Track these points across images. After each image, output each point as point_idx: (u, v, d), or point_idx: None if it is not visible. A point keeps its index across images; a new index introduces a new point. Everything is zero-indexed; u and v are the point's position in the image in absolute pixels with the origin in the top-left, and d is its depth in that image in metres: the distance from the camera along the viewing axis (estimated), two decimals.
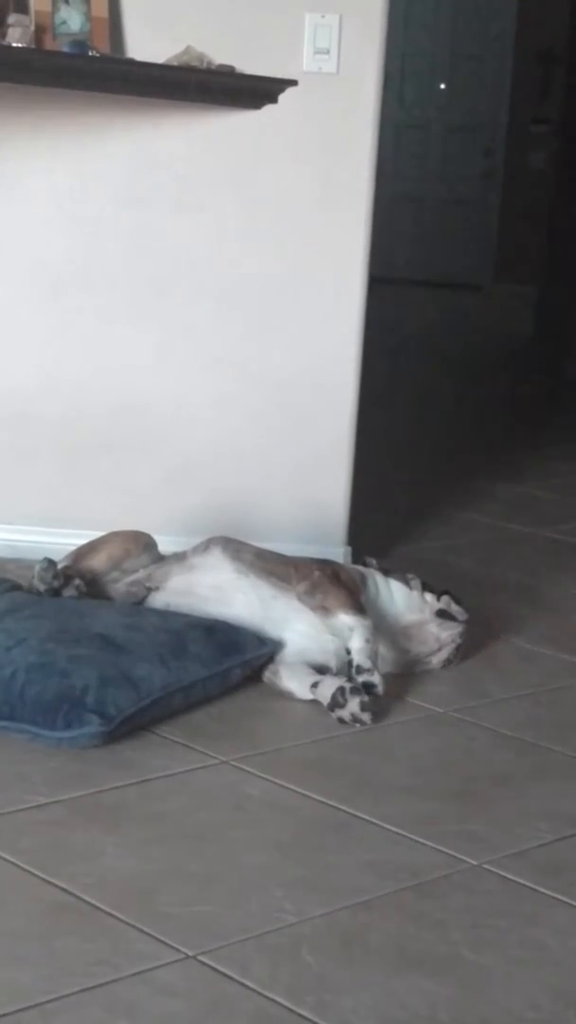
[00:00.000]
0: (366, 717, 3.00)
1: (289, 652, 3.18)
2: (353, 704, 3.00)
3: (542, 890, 2.37)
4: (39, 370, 3.95)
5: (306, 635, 3.20)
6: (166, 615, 3.18)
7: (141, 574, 3.35)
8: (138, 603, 3.29)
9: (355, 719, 3.00)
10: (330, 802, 2.63)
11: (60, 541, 3.78)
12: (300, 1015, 1.98)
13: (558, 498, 5.22)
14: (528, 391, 7.86)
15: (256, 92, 3.78)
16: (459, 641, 3.35)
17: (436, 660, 3.34)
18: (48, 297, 3.92)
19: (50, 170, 3.86)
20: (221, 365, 3.95)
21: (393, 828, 2.55)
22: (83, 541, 3.52)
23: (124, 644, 2.97)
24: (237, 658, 3.08)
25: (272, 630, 3.20)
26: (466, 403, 7.40)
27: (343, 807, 2.62)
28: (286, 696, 3.10)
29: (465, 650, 3.37)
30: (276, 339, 3.94)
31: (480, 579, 4.08)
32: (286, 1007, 2.00)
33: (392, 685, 3.20)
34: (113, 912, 2.21)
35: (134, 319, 3.93)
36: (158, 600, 3.29)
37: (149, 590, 3.32)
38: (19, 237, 3.90)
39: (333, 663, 3.17)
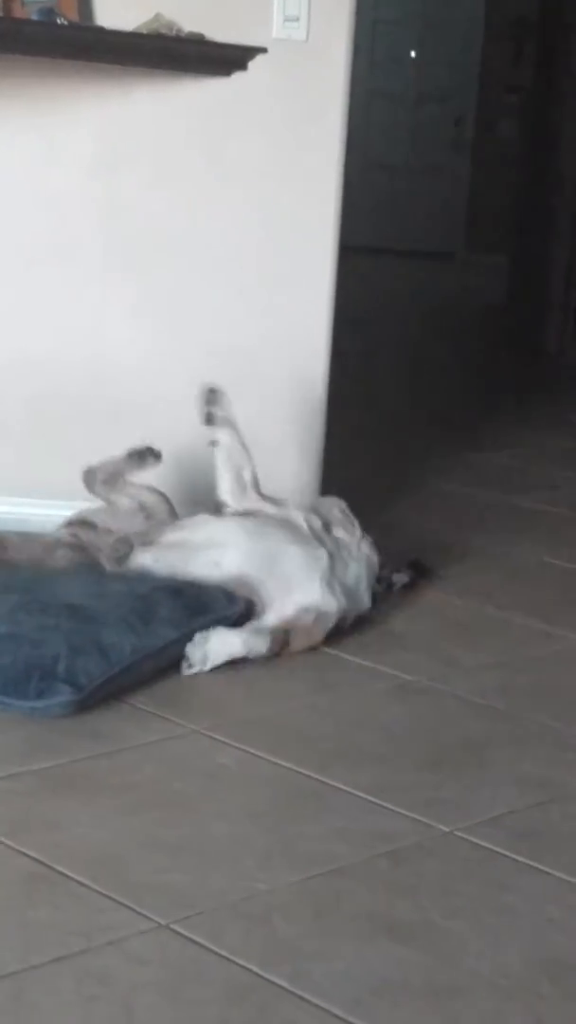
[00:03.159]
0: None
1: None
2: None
3: (514, 856, 2.38)
4: (9, 342, 3.93)
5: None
6: (132, 581, 3.17)
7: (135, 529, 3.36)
8: (120, 559, 3.26)
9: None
10: (302, 770, 2.64)
11: (33, 512, 3.77)
12: (273, 983, 1.99)
13: (528, 466, 5.23)
14: (499, 360, 7.86)
15: (226, 60, 3.76)
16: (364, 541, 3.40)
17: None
18: (17, 268, 3.89)
19: (18, 139, 3.83)
20: (192, 335, 3.93)
21: (365, 796, 2.55)
22: (56, 512, 3.51)
23: (92, 612, 2.97)
24: (207, 617, 3.08)
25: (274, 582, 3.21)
26: (437, 372, 7.40)
27: (315, 775, 2.62)
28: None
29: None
30: (247, 309, 3.93)
31: (450, 546, 4.08)
32: (259, 975, 2.01)
33: (363, 653, 3.21)
34: (85, 882, 2.21)
35: (104, 290, 3.91)
36: (147, 556, 3.27)
37: (132, 547, 3.28)
38: None
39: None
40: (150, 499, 3.46)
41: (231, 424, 3.41)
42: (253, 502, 3.39)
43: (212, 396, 3.41)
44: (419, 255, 12.32)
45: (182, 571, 3.22)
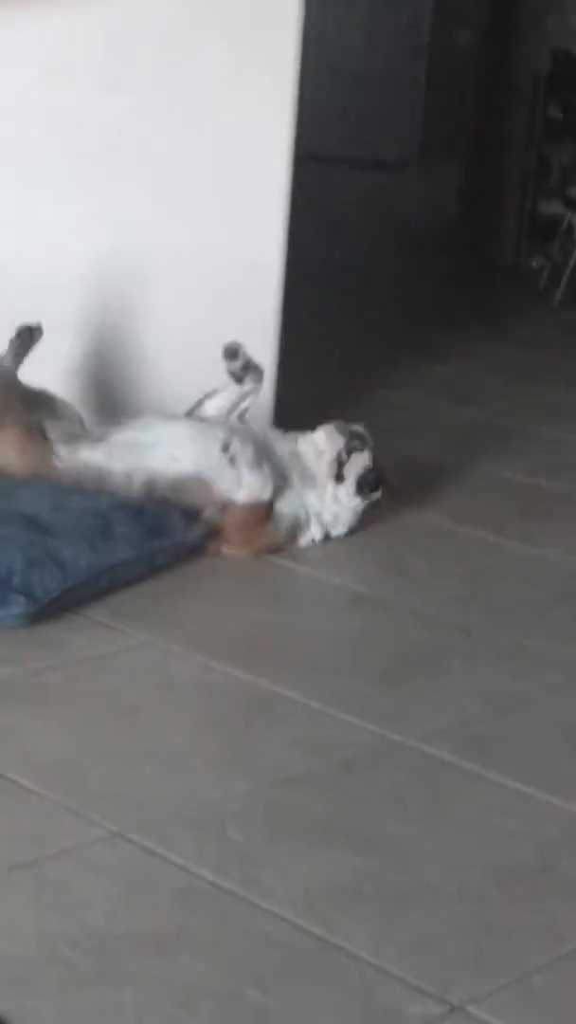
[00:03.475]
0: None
1: None
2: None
3: (464, 765, 2.41)
4: None
5: None
6: (92, 496, 3.16)
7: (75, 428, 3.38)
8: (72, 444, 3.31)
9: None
10: (255, 680, 2.65)
11: None
12: (226, 890, 2.01)
13: (483, 378, 5.22)
14: (453, 271, 7.83)
15: None
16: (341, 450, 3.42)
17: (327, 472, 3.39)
18: None
19: None
20: (146, 244, 3.89)
21: (318, 705, 2.57)
22: None
23: (50, 526, 2.96)
24: (164, 541, 3.08)
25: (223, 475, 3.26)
26: (392, 282, 7.37)
27: (268, 685, 2.64)
28: None
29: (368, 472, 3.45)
30: (201, 217, 3.89)
31: (404, 459, 4.08)
32: (212, 882, 2.03)
33: (318, 565, 3.22)
34: (40, 791, 2.22)
35: (56, 198, 3.85)
36: (99, 454, 3.27)
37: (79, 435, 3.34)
38: None
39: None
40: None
41: (257, 372, 3.53)
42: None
43: (235, 350, 3.50)
44: (373, 164, 12.21)
45: (138, 467, 3.24)
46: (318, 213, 8.60)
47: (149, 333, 3.95)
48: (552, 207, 7.62)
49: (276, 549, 3.29)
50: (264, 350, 3.98)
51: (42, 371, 3.88)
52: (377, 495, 3.44)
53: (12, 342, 3.46)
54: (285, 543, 3.30)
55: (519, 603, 3.15)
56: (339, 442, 3.42)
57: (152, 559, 3.05)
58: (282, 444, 3.44)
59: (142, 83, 3.80)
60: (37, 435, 3.30)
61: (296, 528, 3.33)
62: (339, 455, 3.41)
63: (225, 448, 3.28)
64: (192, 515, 3.21)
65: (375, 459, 3.44)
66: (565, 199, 7.35)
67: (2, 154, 3.83)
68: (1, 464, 3.28)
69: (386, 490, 3.46)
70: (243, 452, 3.29)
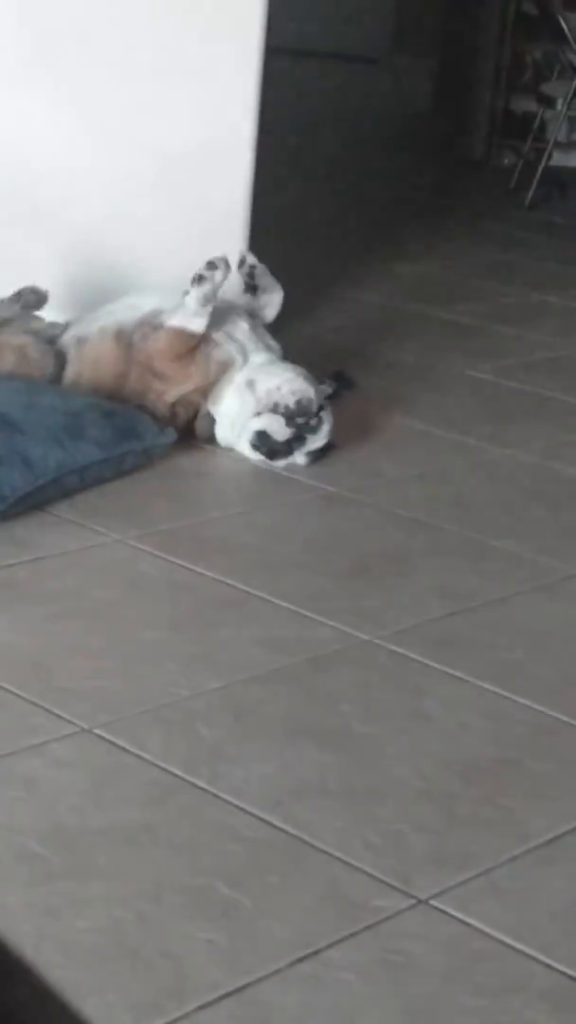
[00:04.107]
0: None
1: None
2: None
3: (431, 664, 2.43)
4: None
5: None
6: (66, 395, 3.14)
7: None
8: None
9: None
10: (224, 580, 2.66)
11: None
12: (194, 784, 2.03)
13: (453, 277, 5.20)
14: (425, 168, 7.76)
15: None
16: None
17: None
18: None
19: None
20: (113, 137, 3.84)
21: (287, 605, 2.58)
22: None
23: (20, 423, 2.94)
24: (135, 443, 3.07)
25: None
26: (363, 181, 7.30)
27: (237, 584, 2.64)
28: None
29: None
30: (170, 110, 3.83)
31: (371, 358, 4.07)
32: (180, 777, 2.04)
33: (285, 467, 3.22)
34: (8, 687, 2.23)
35: (21, 88, 3.79)
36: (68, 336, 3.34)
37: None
38: None
39: None
40: (35, 352, 3.37)
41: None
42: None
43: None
44: (343, 58, 12.03)
45: (108, 323, 3.30)
46: (288, 108, 8.49)
47: (117, 231, 3.91)
48: (525, 104, 7.54)
49: (194, 413, 3.26)
50: (232, 247, 3.95)
51: (17, 266, 3.84)
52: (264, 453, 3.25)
53: (10, 300, 3.39)
54: (203, 427, 3.26)
55: (487, 503, 3.16)
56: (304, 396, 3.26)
57: (121, 462, 3.04)
58: (267, 347, 3.39)
59: None
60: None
61: (220, 390, 3.27)
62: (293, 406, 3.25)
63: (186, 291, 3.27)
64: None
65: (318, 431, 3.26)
66: (538, 96, 7.27)
67: None
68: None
69: (351, 389, 3.44)
70: (198, 291, 3.25)
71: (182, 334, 3.26)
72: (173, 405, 3.27)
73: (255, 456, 3.24)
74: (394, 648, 2.47)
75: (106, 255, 3.91)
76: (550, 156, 6.93)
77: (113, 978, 1.68)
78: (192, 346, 3.27)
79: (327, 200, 6.67)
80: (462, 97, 8.07)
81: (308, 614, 2.56)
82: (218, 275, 3.28)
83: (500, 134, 7.81)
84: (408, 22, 11.99)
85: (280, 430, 3.21)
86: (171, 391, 3.26)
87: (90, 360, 3.31)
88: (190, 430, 3.28)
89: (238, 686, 2.30)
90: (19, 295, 3.42)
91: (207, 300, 3.28)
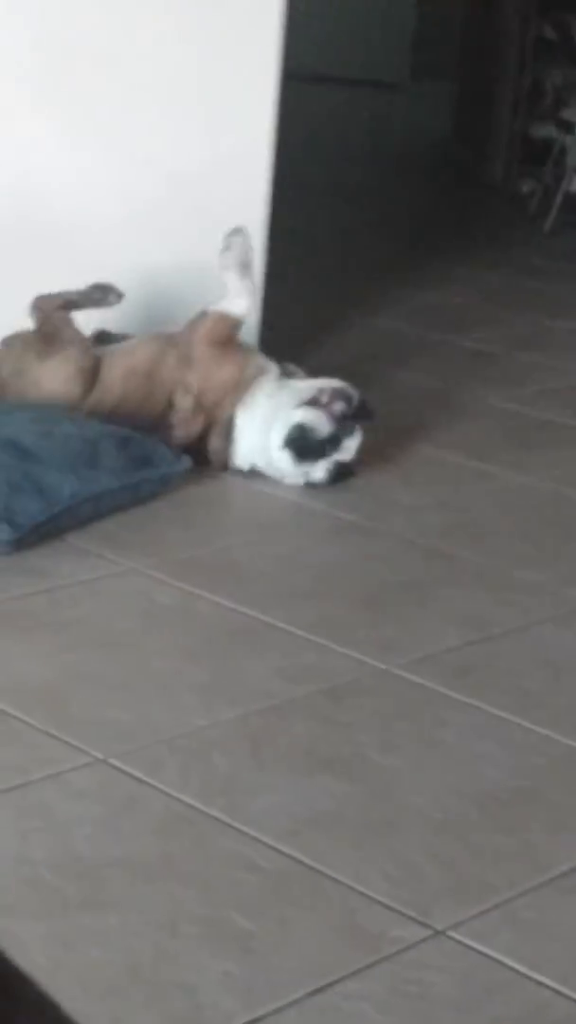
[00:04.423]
0: None
1: None
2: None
3: (449, 693, 2.42)
4: None
5: None
6: (81, 424, 3.15)
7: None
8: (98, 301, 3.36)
9: None
10: (240, 608, 2.65)
11: None
12: (210, 815, 2.02)
13: (471, 304, 5.20)
14: (444, 194, 7.77)
15: None
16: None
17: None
18: None
19: None
20: (128, 159, 3.85)
21: (303, 634, 2.58)
22: None
23: (35, 451, 2.95)
24: (150, 471, 3.07)
25: None
26: (381, 206, 7.31)
27: (253, 613, 2.64)
28: None
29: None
30: (186, 133, 3.84)
31: (392, 385, 4.07)
32: (196, 808, 2.04)
33: (302, 492, 3.21)
34: (23, 717, 2.22)
35: (37, 110, 3.80)
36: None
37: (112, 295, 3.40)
38: None
39: None
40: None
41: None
42: None
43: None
44: (362, 83, 12.07)
45: None
46: (306, 133, 8.52)
47: (131, 253, 3.92)
48: (544, 130, 7.55)
49: (225, 429, 3.25)
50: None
51: (31, 286, 3.85)
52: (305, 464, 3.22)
53: (81, 294, 3.41)
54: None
55: (506, 531, 3.15)
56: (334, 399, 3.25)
57: (137, 489, 3.04)
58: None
59: None
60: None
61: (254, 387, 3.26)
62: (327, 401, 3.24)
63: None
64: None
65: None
66: (558, 122, 7.27)
67: None
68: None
69: (370, 421, 3.43)
70: (229, 259, 3.31)
71: (225, 318, 3.30)
72: (197, 401, 3.25)
73: (280, 460, 3.19)
74: (412, 677, 2.46)
75: (121, 276, 3.91)
76: (570, 182, 6.92)
77: (129, 1009, 1.67)
78: (233, 333, 3.29)
79: (344, 225, 6.69)
80: (481, 123, 8.08)
81: (325, 643, 2.55)
82: (242, 239, 3.28)
83: (519, 160, 7.81)
84: (427, 48, 12.02)
85: (321, 425, 3.18)
86: (202, 382, 3.24)
87: (125, 350, 3.33)
88: (202, 451, 3.25)
89: (254, 716, 2.30)
90: (102, 290, 3.42)
91: (243, 268, 3.29)
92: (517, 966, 1.79)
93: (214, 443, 3.27)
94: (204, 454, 3.26)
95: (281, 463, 3.20)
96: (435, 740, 2.28)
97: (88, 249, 3.90)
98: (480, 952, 1.81)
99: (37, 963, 1.69)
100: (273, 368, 3.33)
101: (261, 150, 3.87)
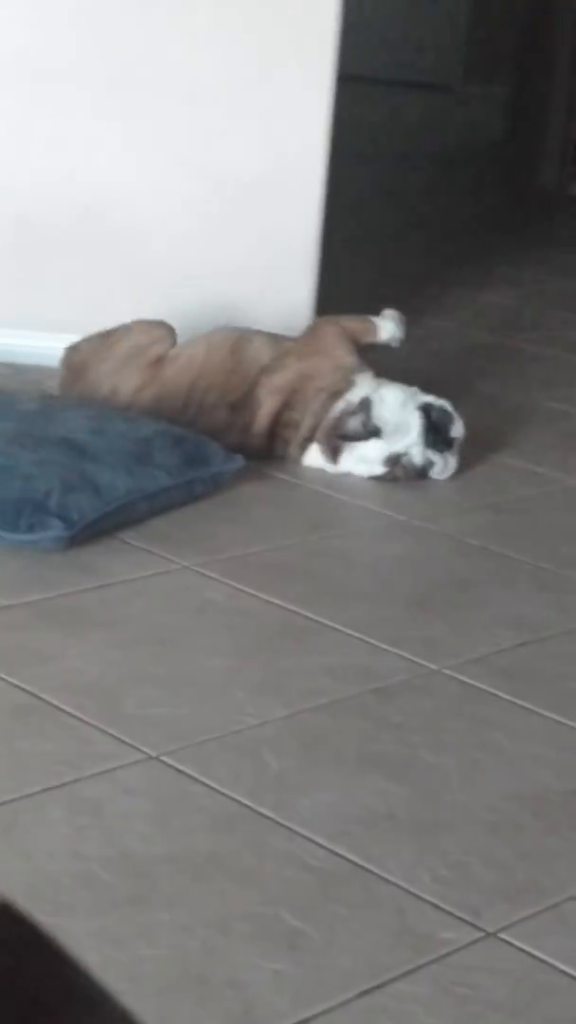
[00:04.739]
0: None
1: None
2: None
3: (500, 694, 2.41)
4: None
5: None
6: (134, 422, 3.16)
7: None
8: None
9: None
10: (292, 607, 2.65)
11: (18, 343, 3.74)
12: (260, 814, 2.02)
13: (524, 307, 5.18)
14: (497, 197, 7.75)
15: None
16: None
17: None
18: (7, 91, 3.81)
19: None
20: (184, 166, 3.86)
21: (354, 633, 2.57)
22: (42, 344, 3.48)
23: (89, 449, 2.96)
24: (203, 471, 3.07)
25: None
26: (435, 209, 7.30)
27: (305, 612, 2.64)
28: None
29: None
30: (242, 139, 3.85)
31: (445, 388, 4.05)
32: (247, 806, 2.04)
33: (354, 492, 3.21)
34: (76, 713, 2.23)
35: (94, 117, 3.82)
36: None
37: None
38: None
39: None
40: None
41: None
42: None
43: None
44: (415, 86, 12.05)
45: None
46: (360, 136, 8.51)
47: (187, 260, 3.93)
48: None
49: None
50: (303, 280, 3.96)
51: (89, 294, 3.87)
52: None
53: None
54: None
55: (559, 533, 3.14)
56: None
57: (190, 488, 3.05)
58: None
59: (180, 2, 3.75)
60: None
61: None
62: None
63: None
64: None
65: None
66: None
67: (40, 74, 3.80)
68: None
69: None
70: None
71: (368, 327, 3.43)
72: (285, 399, 3.31)
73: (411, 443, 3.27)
74: (463, 678, 2.45)
75: (178, 283, 3.93)
76: None
77: (179, 1007, 1.67)
78: (361, 340, 3.42)
79: (398, 229, 6.68)
80: (535, 126, 8.05)
81: (376, 643, 2.55)
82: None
83: (573, 163, 7.77)
84: (481, 51, 11.99)
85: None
86: (306, 367, 3.33)
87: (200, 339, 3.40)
88: (272, 445, 3.30)
89: (305, 714, 2.29)
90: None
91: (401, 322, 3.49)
92: (568, 969, 1.78)
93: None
94: (272, 448, 3.29)
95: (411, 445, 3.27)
96: (486, 741, 2.27)
97: (146, 256, 3.91)
98: (531, 954, 1.80)
99: (88, 960, 1.69)
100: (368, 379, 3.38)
101: (317, 153, 3.87)
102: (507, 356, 4.52)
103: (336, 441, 3.25)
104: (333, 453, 3.25)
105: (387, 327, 3.53)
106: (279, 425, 3.31)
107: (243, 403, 3.31)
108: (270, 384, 3.32)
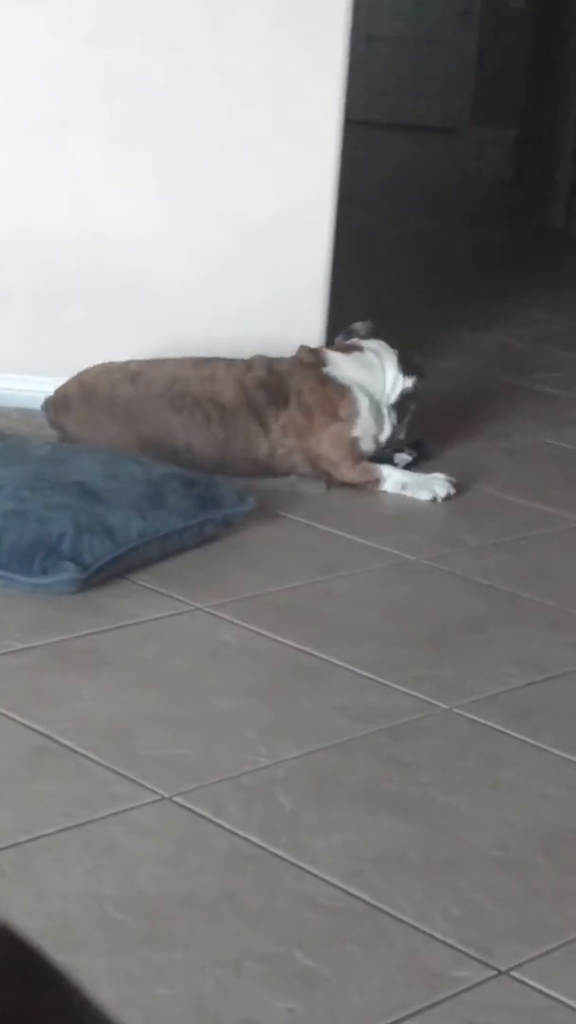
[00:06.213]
0: None
1: None
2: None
3: (511, 733, 2.42)
4: (10, 215, 3.90)
5: None
6: (146, 465, 3.18)
7: None
8: None
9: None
10: (303, 648, 2.67)
11: (32, 388, 3.77)
12: (273, 854, 2.03)
13: (532, 347, 5.21)
14: (504, 238, 7.79)
15: None
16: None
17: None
18: (17, 139, 3.85)
19: (19, 9, 3.77)
20: (195, 210, 3.90)
21: (366, 673, 2.59)
22: (53, 389, 3.52)
23: (101, 492, 2.98)
24: (214, 512, 3.09)
25: None
26: (442, 250, 7.34)
27: (316, 652, 2.65)
28: None
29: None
30: (251, 183, 3.89)
31: (452, 427, 4.08)
32: (260, 846, 2.05)
33: (365, 532, 3.23)
34: (90, 755, 2.25)
35: (106, 163, 3.87)
36: None
37: None
38: None
39: None
40: None
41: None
42: None
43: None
44: (423, 130, 12.13)
45: None
46: (368, 179, 8.57)
47: (199, 303, 3.96)
48: None
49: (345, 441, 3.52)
50: (312, 317, 3.99)
51: (99, 338, 3.90)
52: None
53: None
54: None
55: (568, 572, 3.15)
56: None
57: (201, 530, 3.07)
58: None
59: (190, 46, 3.80)
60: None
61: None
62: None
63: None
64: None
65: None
66: None
67: (50, 117, 3.84)
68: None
69: (431, 457, 3.48)
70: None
71: (349, 438, 3.57)
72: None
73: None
74: (474, 717, 2.46)
75: (187, 327, 3.96)
76: None
77: None
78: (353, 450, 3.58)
79: (407, 270, 6.71)
80: (542, 166, 8.10)
81: (387, 683, 2.56)
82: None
83: None
84: (487, 93, 12.08)
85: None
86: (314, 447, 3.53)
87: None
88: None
89: (317, 754, 2.31)
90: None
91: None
92: None
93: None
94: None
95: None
96: (497, 780, 2.28)
97: (155, 298, 3.95)
98: (543, 992, 1.81)
99: (104, 998, 1.70)
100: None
101: (326, 197, 3.90)
102: (514, 395, 4.54)
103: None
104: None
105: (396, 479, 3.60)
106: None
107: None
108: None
